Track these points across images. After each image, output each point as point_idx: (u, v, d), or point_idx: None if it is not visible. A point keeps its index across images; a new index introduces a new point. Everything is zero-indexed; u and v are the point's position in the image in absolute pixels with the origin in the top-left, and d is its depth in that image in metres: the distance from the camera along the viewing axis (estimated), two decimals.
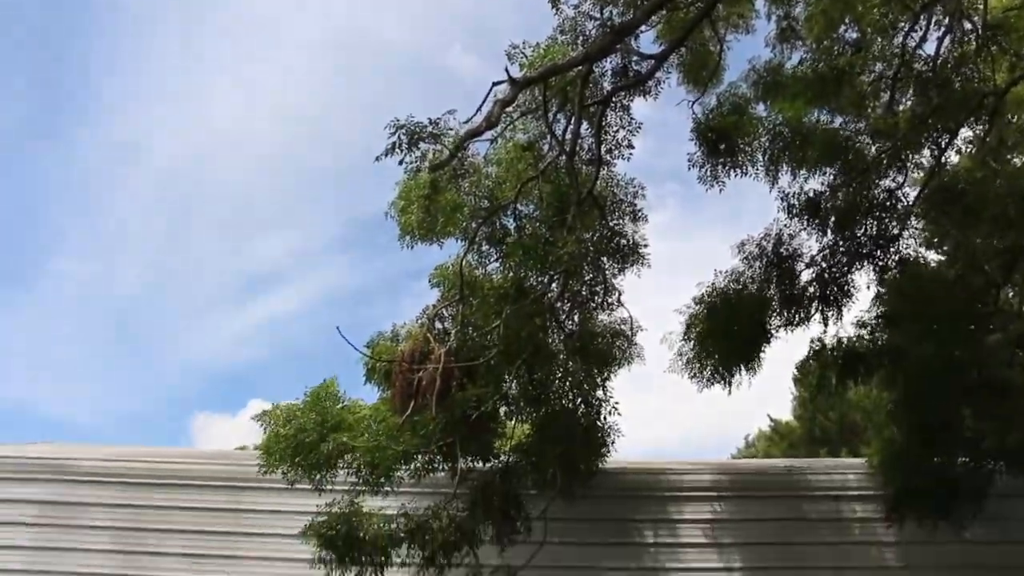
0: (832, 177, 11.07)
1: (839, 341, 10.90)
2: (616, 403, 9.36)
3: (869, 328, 10.89)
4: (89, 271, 49.47)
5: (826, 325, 10.97)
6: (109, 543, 11.16)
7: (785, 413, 30.93)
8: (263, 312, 55.48)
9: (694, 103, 11.09)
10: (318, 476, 8.66)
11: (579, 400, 9.26)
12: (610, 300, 10.37)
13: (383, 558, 8.58)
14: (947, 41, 10.58)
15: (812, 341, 11.07)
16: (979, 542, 10.77)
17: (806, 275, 11.06)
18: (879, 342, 10.69)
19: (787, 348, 11.32)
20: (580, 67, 8.97)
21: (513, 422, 9.41)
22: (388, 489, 8.90)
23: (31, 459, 11.71)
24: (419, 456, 8.44)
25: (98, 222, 47.14)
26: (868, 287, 11.11)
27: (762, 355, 10.86)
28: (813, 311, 10.95)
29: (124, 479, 11.48)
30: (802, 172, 11.05)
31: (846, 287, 11.07)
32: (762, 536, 11.08)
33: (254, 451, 9.40)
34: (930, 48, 10.79)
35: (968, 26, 10.47)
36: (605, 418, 9.58)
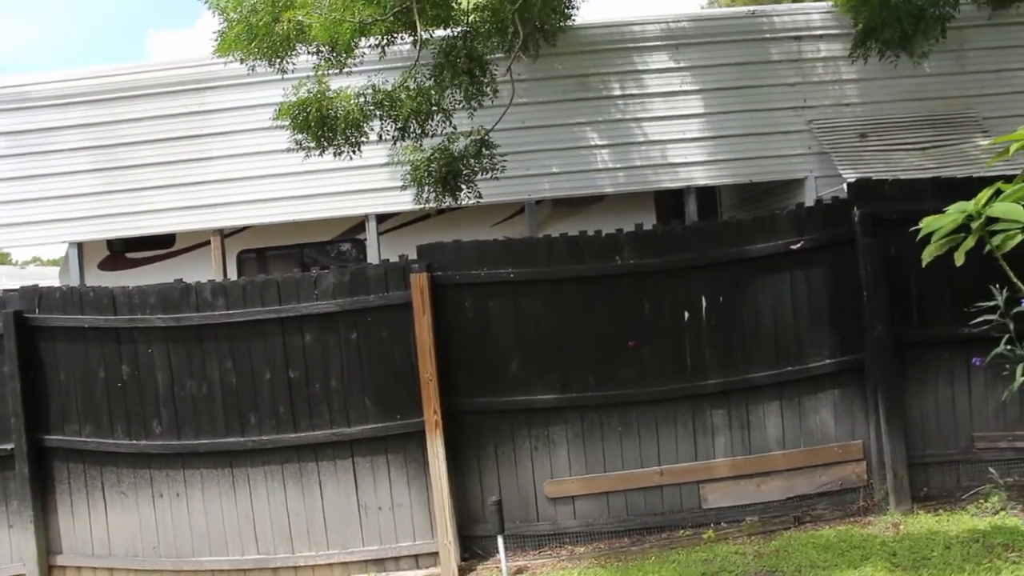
0: None
1: None
2: None
3: None
4: None
5: None
6: (85, 163, 11.35)
7: None
8: None
9: None
10: (277, 60, 8.54)
11: None
12: None
13: (358, 134, 8.74)
14: None
15: None
16: (937, 74, 11.14)
17: None
18: None
19: None
20: None
21: None
22: (351, 68, 8.84)
23: None
24: (377, 25, 8.24)
25: None
26: None
27: None
28: None
29: (90, 98, 11.38)
30: None
31: None
32: (726, 81, 11.34)
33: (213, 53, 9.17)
34: None
35: None
36: None
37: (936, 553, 5.73)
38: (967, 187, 5.69)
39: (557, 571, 6.37)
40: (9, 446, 7.04)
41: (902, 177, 8.30)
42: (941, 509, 6.60)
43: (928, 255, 4.78)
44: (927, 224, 4.82)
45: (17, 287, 7.39)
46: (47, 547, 7.10)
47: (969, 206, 4.61)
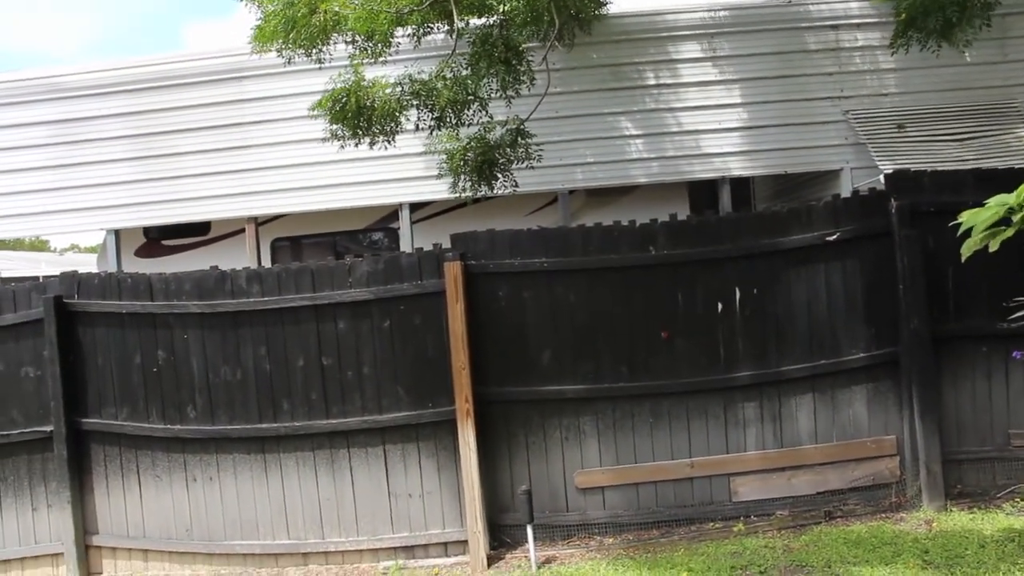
0: None
1: None
2: None
3: None
4: None
5: None
6: (123, 151, 11.48)
7: None
8: None
9: None
10: (314, 50, 8.57)
11: None
12: None
13: (394, 124, 8.76)
14: None
15: None
16: (979, 63, 10.93)
17: None
18: None
19: None
20: None
21: None
22: (387, 57, 8.86)
23: (27, 80, 11.65)
24: (414, 15, 8.25)
25: None
26: None
27: None
28: None
29: (127, 87, 11.50)
30: None
31: None
32: (762, 70, 11.22)
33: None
34: None
35: None
36: None
37: (970, 552, 5.66)
38: (1009, 178, 5.59)
39: (586, 562, 6.37)
40: (48, 428, 7.17)
41: (941, 168, 8.17)
42: (975, 507, 6.52)
43: (968, 249, 4.71)
44: (967, 218, 4.74)
45: (56, 273, 7.51)
46: (84, 527, 7.23)
47: (1010, 199, 4.53)
